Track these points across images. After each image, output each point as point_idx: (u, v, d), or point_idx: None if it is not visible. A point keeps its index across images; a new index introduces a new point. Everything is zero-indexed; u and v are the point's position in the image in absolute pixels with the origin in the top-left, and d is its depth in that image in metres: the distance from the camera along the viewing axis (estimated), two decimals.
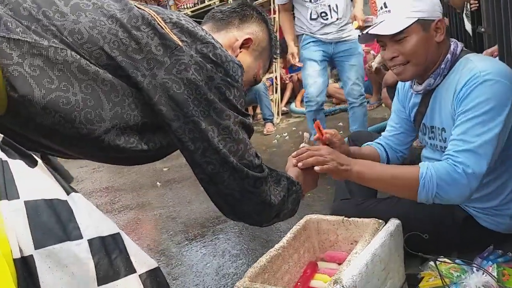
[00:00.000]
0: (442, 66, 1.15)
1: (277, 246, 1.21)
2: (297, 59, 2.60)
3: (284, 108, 5.02)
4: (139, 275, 0.63)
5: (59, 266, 0.53)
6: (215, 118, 0.75)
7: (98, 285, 0.56)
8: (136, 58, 0.70)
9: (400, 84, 1.39)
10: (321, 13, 2.47)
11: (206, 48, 0.75)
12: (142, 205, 2.83)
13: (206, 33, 0.79)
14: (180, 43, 0.73)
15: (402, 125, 1.39)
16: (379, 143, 1.43)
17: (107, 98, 0.68)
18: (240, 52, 0.95)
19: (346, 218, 1.28)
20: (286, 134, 3.97)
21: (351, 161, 1.13)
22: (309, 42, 2.56)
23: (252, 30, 0.97)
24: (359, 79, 2.60)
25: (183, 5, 6.65)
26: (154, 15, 0.75)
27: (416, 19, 1.10)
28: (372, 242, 1.09)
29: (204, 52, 0.75)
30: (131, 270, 0.62)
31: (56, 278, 0.52)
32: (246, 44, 0.95)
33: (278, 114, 4.74)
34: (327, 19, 2.47)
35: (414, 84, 1.26)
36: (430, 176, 1.05)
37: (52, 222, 0.54)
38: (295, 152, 1.13)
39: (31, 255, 0.51)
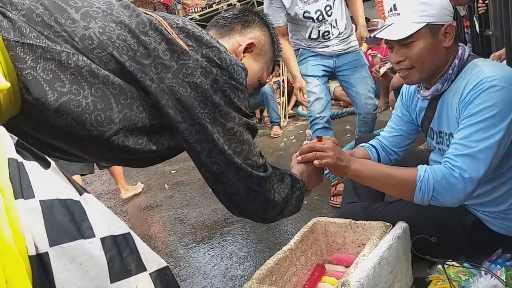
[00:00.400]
0: (450, 71, 1.15)
1: (284, 248, 1.22)
2: (305, 95, 2.18)
3: (291, 111, 5.03)
4: (150, 274, 0.64)
5: (73, 263, 0.54)
6: (220, 120, 0.77)
7: (111, 282, 0.57)
8: (144, 63, 0.72)
9: (404, 87, 1.39)
10: (324, 32, 2.18)
11: (212, 52, 0.77)
12: (151, 207, 2.85)
13: (211, 38, 0.81)
14: (186, 47, 0.75)
15: (402, 127, 1.39)
16: (372, 145, 1.43)
17: (116, 101, 0.70)
18: (244, 56, 0.97)
19: (353, 221, 1.28)
20: (293, 137, 3.98)
21: (351, 159, 1.15)
22: (307, 57, 2.24)
23: (254, 34, 0.99)
24: (371, 91, 2.25)
25: (191, 9, 6.70)
26: (161, 20, 0.77)
27: (425, 24, 1.09)
28: (380, 245, 1.10)
29: (210, 56, 0.77)
30: (142, 268, 0.63)
31: (70, 274, 0.54)
32: (249, 48, 0.98)
33: (285, 117, 4.75)
34: (328, 38, 2.19)
35: (421, 89, 1.25)
36: (427, 179, 1.06)
37: (66, 221, 0.55)
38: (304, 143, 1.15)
39: (46, 252, 0.52)
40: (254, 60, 0.99)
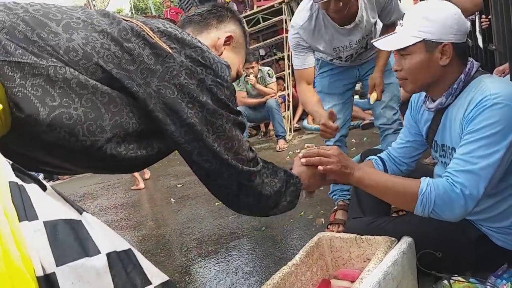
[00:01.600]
0: (455, 86, 1.16)
1: (290, 263, 1.22)
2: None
3: (297, 125, 5.05)
4: (155, 287, 0.65)
5: (80, 281, 0.55)
6: (209, 118, 0.79)
7: None
8: (130, 69, 0.73)
9: (413, 98, 1.40)
10: (347, 57, 1.92)
11: (195, 53, 0.79)
12: (157, 221, 2.86)
13: (193, 38, 0.82)
14: (170, 50, 0.76)
15: (410, 139, 1.41)
16: (379, 158, 1.44)
17: (106, 109, 0.71)
18: (224, 49, 1.01)
19: (358, 235, 1.29)
20: (298, 150, 3.98)
21: (356, 166, 1.16)
22: (326, 71, 2.02)
23: (230, 28, 1.03)
24: (394, 100, 1.97)
25: None
26: (142, 25, 0.78)
27: (421, 39, 1.11)
28: (385, 260, 1.10)
29: (193, 56, 0.78)
30: (147, 282, 0.64)
31: None
32: (227, 41, 1.01)
33: (290, 130, 4.77)
34: (351, 58, 1.95)
35: (428, 101, 1.27)
36: (429, 193, 1.06)
37: (70, 240, 0.57)
38: (302, 151, 1.16)
39: (54, 272, 0.53)
40: (233, 52, 1.03)
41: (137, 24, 0.78)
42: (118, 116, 0.73)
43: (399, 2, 1.86)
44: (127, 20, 0.79)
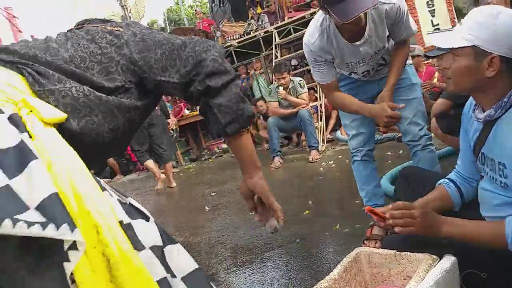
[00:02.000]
0: (505, 99, 1.11)
1: (327, 277, 1.23)
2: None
3: (330, 136, 5.02)
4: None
5: (146, 233, 0.78)
6: (178, 43, 0.94)
7: (164, 246, 0.81)
8: (109, 51, 0.93)
9: (465, 109, 1.35)
10: (363, 72, 1.93)
11: (134, 23, 1.02)
12: (192, 229, 2.93)
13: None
14: (120, 29, 0.99)
15: (469, 152, 1.34)
16: (449, 179, 1.40)
17: (119, 111, 0.91)
18: None
19: (398, 252, 1.27)
20: (332, 161, 3.96)
21: (441, 222, 1.15)
22: (345, 85, 1.99)
23: None
24: (419, 115, 1.91)
25: (230, 36, 6.95)
26: (94, 26, 0.99)
27: (471, 44, 1.08)
28: (426, 279, 1.08)
29: (136, 25, 1.00)
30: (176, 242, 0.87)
31: (147, 237, 0.78)
32: None
33: (323, 141, 4.75)
34: (368, 74, 1.95)
35: (477, 109, 1.22)
36: None
37: (132, 211, 0.80)
38: (391, 206, 1.16)
39: (129, 223, 0.76)
40: None
41: (91, 27, 0.99)
42: (128, 113, 0.93)
43: (410, 18, 1.80)
44: (82, 27, 1.01)
